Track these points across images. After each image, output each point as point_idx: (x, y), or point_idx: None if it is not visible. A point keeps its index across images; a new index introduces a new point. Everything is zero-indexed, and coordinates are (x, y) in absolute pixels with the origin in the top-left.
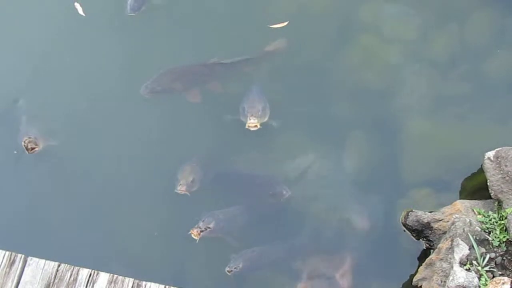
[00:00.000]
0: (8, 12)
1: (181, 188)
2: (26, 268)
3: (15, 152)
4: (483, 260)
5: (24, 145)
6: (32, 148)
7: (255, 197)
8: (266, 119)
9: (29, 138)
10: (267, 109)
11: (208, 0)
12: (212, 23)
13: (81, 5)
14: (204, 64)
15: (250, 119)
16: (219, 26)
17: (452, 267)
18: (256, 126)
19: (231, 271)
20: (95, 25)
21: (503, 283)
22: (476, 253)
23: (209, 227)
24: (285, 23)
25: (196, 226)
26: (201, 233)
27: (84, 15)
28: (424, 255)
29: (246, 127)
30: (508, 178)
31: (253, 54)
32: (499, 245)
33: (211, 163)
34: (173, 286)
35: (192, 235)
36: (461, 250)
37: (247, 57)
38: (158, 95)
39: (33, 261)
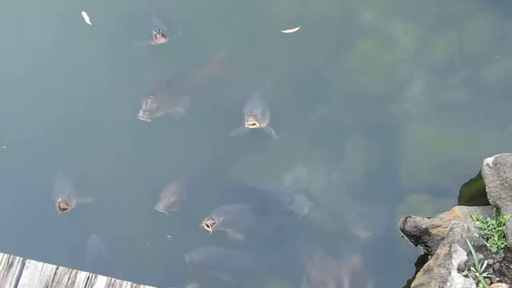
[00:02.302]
0: (14, 16)
1: (160, 207)
2: (24, 271)
3: (4, 147)
4: (481, 266)
5: (57, 204)
6: (64, 209)
7: (273, 213)
8: (266, 124)
9: (63, 199)
10: (267, 113)
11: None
12: (217, 27)
13: (88, 14)
14: (180, 75)
15: (248, 119)
16: (223, 30)
17: (450, 273)
18: (254, 124)
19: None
20: (101, 34)
21: None
22: (474, 259)
23: (220, 219)
24: (297, 29)
25: (208, 217)
26: (214, 225)
27: (90, 24)
28: (422, 260)
29: (245, 126)
30: (506, 184)
31: (201, 66)
32: (497, 251)
33: (202, 180)
34: None
35: (205, 227)
36: (459, 256)
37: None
38: (156, 114)
39: (31, 264)
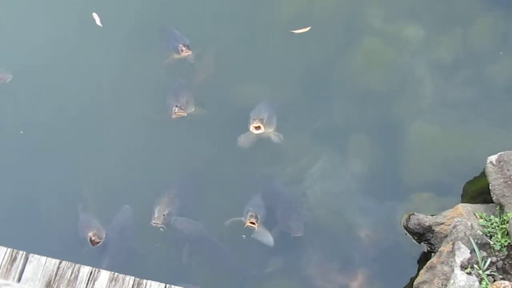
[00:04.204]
0: (23, 15)
1: (156, 222)
2: (27, 265)
3: (21, 132)
4: (484, 264)
5: (89, 239)
6: (97, 242)
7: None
8: (272, 129)
9: (94, 233)
10: (273, 119)
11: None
12: (221, 26)
13: (98, 16)
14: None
15: (253, 122)
16: (228, 28)
17: (453, 270)
18: (259, 127)
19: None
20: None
21: (504, 287)
22: (477, 257)
23: (259, 214)
24: (307, 29)
25: (249, 216)
26: (258, 221)
27: (101, 25)
28: (425, 258)
29: (250, 130)
30: (510, 182)
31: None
32: (500, 249)
33: (192, 187)
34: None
35: (250, 226)
36: (462, 254)
37: None
38: (188, 110)
39: (34, 258)
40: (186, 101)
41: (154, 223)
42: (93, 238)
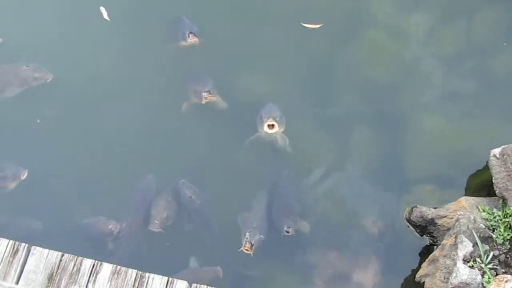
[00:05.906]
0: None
1: (155, 227)
2: (29, 258)
3: (38, 121)
4: (487, 258)
5: (114, 232)
6: (115, 230)
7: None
8: (282, 130)
9: (107, 225)
10: (283, 119)
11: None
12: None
13: (106, 9)
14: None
15: (268, 120)
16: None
17: (455, 264)
18: (273, 126)
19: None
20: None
21: (506, 281)
22: (479, 251)
23: (257, 238)
24: (319, 25)
25: (245, 241)
26: (253, 247)
27: (108, 19)
28: (427, 251)
29: (264, 129)
30: None
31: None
32: (503, 242)
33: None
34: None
35: (245, 251)
36: (465, 247)
37: None
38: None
39: (36, 251)
40: (212, 86)
41: (153, 228)
42: (110, 227)
